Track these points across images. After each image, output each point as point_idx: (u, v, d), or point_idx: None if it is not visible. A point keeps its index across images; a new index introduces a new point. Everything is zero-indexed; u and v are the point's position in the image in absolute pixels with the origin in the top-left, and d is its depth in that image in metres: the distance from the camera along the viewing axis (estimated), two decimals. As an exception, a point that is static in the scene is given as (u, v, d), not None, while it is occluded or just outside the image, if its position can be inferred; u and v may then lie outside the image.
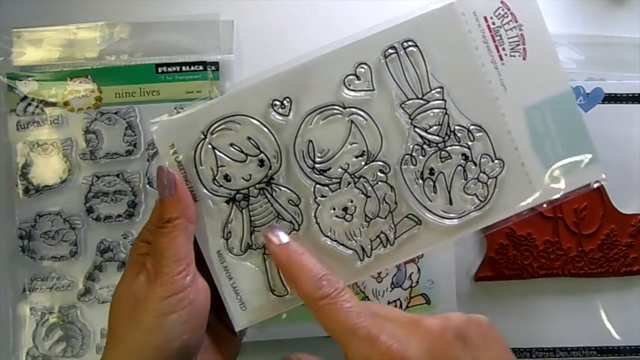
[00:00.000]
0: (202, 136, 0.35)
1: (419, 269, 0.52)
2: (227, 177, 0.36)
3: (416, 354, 0.29)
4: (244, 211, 0.36)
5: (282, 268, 0.35)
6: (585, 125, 0.37)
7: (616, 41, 0.55)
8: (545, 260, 0.52)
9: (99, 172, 0.52)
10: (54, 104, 0.52)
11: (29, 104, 0.52)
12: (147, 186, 0.52)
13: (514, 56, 0.36)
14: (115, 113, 0.52)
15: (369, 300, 0.52)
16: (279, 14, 0.55)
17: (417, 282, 0.52)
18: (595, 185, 0.37)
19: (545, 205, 0.37)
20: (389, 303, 0.52)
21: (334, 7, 0.55)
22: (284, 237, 0.35)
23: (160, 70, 0.52)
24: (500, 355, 0.30)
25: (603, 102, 0.53)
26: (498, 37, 0.36)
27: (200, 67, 0.52)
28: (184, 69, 0.52)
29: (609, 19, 0.57)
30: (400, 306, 0.52)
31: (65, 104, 0.52)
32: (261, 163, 0.36)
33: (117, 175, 0.52)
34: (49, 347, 0.51)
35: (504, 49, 0.36)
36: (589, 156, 0.37)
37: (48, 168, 0.52)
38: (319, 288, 0.32)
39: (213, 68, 0.52)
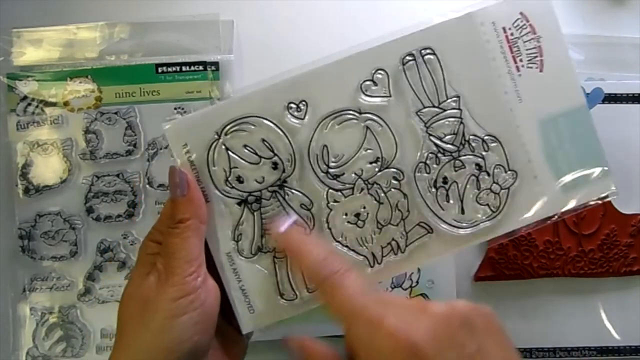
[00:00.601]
0: (216, 136, 0.35)
1: (419, 269, 0.52)
2: (239, 179, 0.36)
3: (422, 337, 0.28)
4: (255, 214, 0.36)
5: (288, 253, 0.35)
6: (599, 141, 0.37)
7: (616, 41, 0.55)
8: (545, 260, 0.52)
9: (99, 172, 0.52)
10: (54, 104, 0.52)
11: (29, 104, 0.52)
12: (147, 186, 0.52)
13: (531, 68, 0.36)
14: (115, 113, 0.52)
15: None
16: (279, 14, 0.55)
17: (417, 282, 0.52)
18: (607, 199, 0.37)
19: (556, 217, 0.37)
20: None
21: (334, 7, 0.55)
22: (288, 224, 0.35)
23: (160, 70, 0.52)
24: (504, 347, 0.30)
25: (603, 102, 0.53)
26: (516, 48, 0.36)
27: (200, 67, 0.52)
28: (184, 69, 0.52)
29: (609, 19, 0.57)
30: (400, 306, 0.52)
31: (65, 104, 0.52)
32: (275, 166, 0.36)
33: (117, 175, 0.52)
34: (49, 347, 0.51)
35: (521, 60, 0.36)
36: (603, 170, 0.37)
37: (48, 168, 0.52)
38: (322, 267, 0.32)
39: (213, 68, 0.52)
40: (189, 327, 0.32)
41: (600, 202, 0.37)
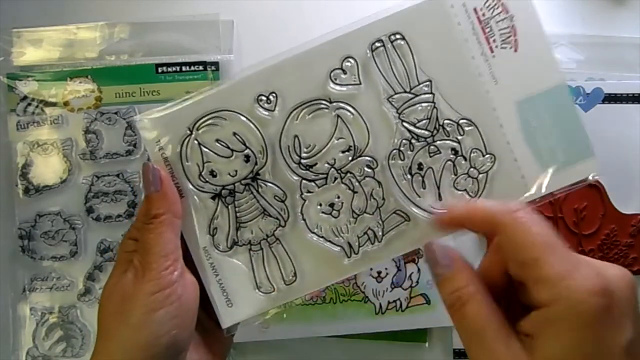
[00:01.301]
0: (188, 132, 0.35)
1: (419, 269, 0.52)
2: (213, 173, 0.36)
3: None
4: (229, 207, 0.36)
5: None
6: (581, 119, 0.36)
7: (616, 41, 0.55)
8: (545, 260, 0.52)
9: (99, 172, 0.52)
10: (54, 104, 0.52)
11: (29, 104, 0.52)
12: (147, 186, 0.52)
13: (505, 48, 0.35)
14: (115, 113, 0.52)
15: (369, 300, 0.52)
16: (279, 14, 0.55)
17: (417, 282, 0.52)
18: (591, 179, 0.36)
19: (537, 201, 0.36)
20: (389, 303, 0.52)
21: (335, 6, 0.55)
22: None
23: (160, 70, 0.52)
24: None
25: (603, 102, 0.53)
26: (488, 29, 0.35)
27: (200, 67, 0.52)
28: (184, 69, 0.52)
29: (609, 19, 0.57)
30: (401, 306, 0.52)
31: (65, 104, 0.52)
32: (247, 159, 0.36)
33: (117, 175, 0.52)
34: (49, 347, 0.51)
35: (494, 41, 0.35)
36: (585, 150, 0.36)
37: (48, 168, 0.52)
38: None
39: (213, 68, 0.52)
40: (166, 321, 0.32)
41: (584, 184, 0.36)
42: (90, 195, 0.52)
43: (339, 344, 0.53)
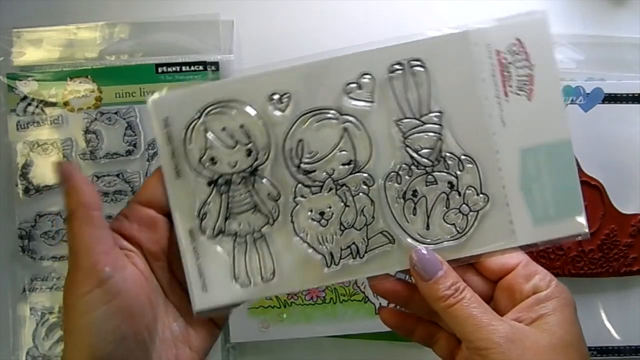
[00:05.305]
0: (197, 115, 0.35)
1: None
2: (213, 160, 0.36)
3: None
4: (223, 196, 0.36)
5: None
6: (578, 178, 0.36)
7: (616, 41, 0.55)
8: (545, 260, 0.52)
9: (99, 172, 0.52)
10: (54, 104, 0.52)
11: (29, 104, 0.52)
12: (147, 186, 0.52)
13: (520, 95, 0.36)
14: (115, 113, 0.52)
15: (368, 300, 0.52)
16: (279, 14, 0.55)
17: (417, 282, 0.52)
18: (578, 239, 0.36)
19: (520, 249, 0.36)
20: (389, 303, 0.52)
21: (335, 7, 0.55)
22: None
23: (160, 70, 0.52)
24: None
25: (603, 102, 0.53)
26: (507, 73, 0.35)
27: (200, 67, 0.52)
28: (184, 69, 0.52)
29: (609, 19, 0.57)
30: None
31: (65, 104, 0.52)
32: (249, 152, 0.36)
33: (117, 175, 0.52)
34: (49, 347, 0.51)
35: (510, 86, 0.36)
36: (576, 208, 0.36)
37: (48, 168, 0.52)
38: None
39: (213, 68, 0.52)
40: (107, 320, 0.31)
41: (570, 241, 0.37)
42: (90, 195, 0.52)
43: (339, 344, 0.53)
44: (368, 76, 0.36)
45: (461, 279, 0.34)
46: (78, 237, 0.32)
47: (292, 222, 0.36)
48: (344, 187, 0.36)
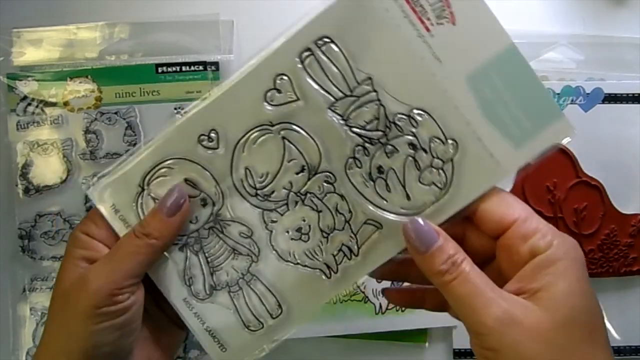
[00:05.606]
0: (140, 189, 0.35)
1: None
2: None
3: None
4: (199, 254, 0.35)
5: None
6: (539, 79, 0.33)
7: (616, 41, 0.55)
8: (545, 260, 0.52)
9: (99, 172, 0.52)
10: (54, 104, 0.52)
11: (29, 104, 0.52)
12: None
13: (442, 24, 0.32)
14: (115, 113, 0.52)
15: (368, 300, 0.52)
16: (279, 14, 0.55)
17: (417, 282, 0.52)
18: (565, 142, 0.33)
19: (514, 176, 0.33)
20: (389, 303, 0.52)
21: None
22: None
23: (160, 70, 0.52)
24: None
25: (603, 102, 0.53)
26: (419, 8, 0.32)
27: (200, 67, 0.52)
28: (184, 69, 0.52)
29: (609, 19, 0.57)
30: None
31: (65, 104, 0.52)
32: (204, 202, 0.35)
33: (117, 175, 0.52)
34: (49, 347, 0.51)
35: (428, 19, 0.32)
36: (552, 112, 0.33)
37: (48, 168, 0.52)
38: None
39: (213, 68, 0.52)
40: (111, 332, 0.32)
41: (558, 147, 0.33)
42: (90, 195, 0.52)
43: (339, 344, 0.54)
44: (283, 76, 0.33)
45: (460, 248, 0.31)
46: (138, 259, 0.33)
47: (275, 250, 0.35)
48: (309, 195, 0.34)
